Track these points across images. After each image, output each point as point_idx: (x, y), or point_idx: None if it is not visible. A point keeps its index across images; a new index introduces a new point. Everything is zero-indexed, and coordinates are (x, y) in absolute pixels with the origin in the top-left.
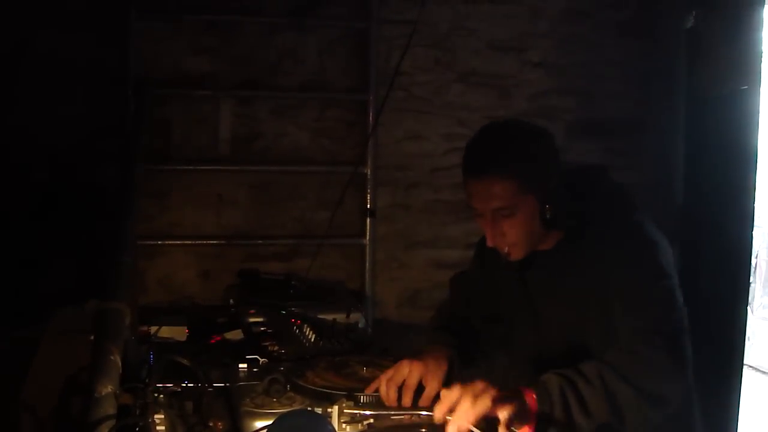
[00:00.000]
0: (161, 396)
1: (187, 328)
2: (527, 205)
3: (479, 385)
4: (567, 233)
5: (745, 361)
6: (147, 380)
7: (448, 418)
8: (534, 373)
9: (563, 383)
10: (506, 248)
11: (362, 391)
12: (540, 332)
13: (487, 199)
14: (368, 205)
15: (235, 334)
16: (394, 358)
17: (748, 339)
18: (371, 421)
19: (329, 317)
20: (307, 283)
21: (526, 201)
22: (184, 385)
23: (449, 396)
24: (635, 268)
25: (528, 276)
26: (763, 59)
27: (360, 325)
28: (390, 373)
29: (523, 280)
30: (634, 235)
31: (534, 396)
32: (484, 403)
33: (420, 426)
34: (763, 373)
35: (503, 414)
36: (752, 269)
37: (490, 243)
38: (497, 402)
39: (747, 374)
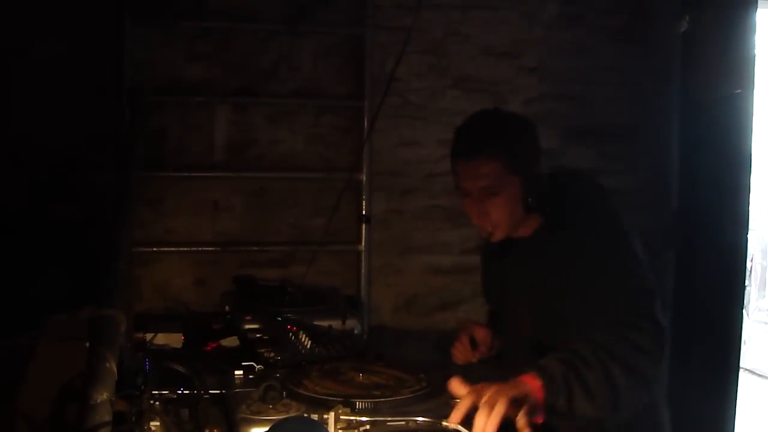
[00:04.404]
0: (157, 403)
1: (183, 335)
2: (512, 186)
3: (490, 390)
4: (545, 220)
5: (741, 365)
6: (143, 387)
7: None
8: (511, 360)
9: (565, 369)
10: (489, 227)
11: (358, 397)
12: (514, 321)
13: (476, 178)
14: (363, 212)
15: (231, 341)
16: (387, 364)
17: (744, 342)
18: (367, 427)
19: (325, 324)
20: (302, 290)
21: (512, 182)
22: (180, 392)
23: (464, 403)
24: (611, 258)
25: (508, 264)
26: (756, 63)
27: (356, 332)
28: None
29: (504, 269)
30: (608, 226)
31: (539, 383)
32: (500, 412)
33: None
34: (759, 376)
35: (522, 420)
36: (747, 273)
37: (475, 221)
38: (511, 406)
39: (743, 377)
